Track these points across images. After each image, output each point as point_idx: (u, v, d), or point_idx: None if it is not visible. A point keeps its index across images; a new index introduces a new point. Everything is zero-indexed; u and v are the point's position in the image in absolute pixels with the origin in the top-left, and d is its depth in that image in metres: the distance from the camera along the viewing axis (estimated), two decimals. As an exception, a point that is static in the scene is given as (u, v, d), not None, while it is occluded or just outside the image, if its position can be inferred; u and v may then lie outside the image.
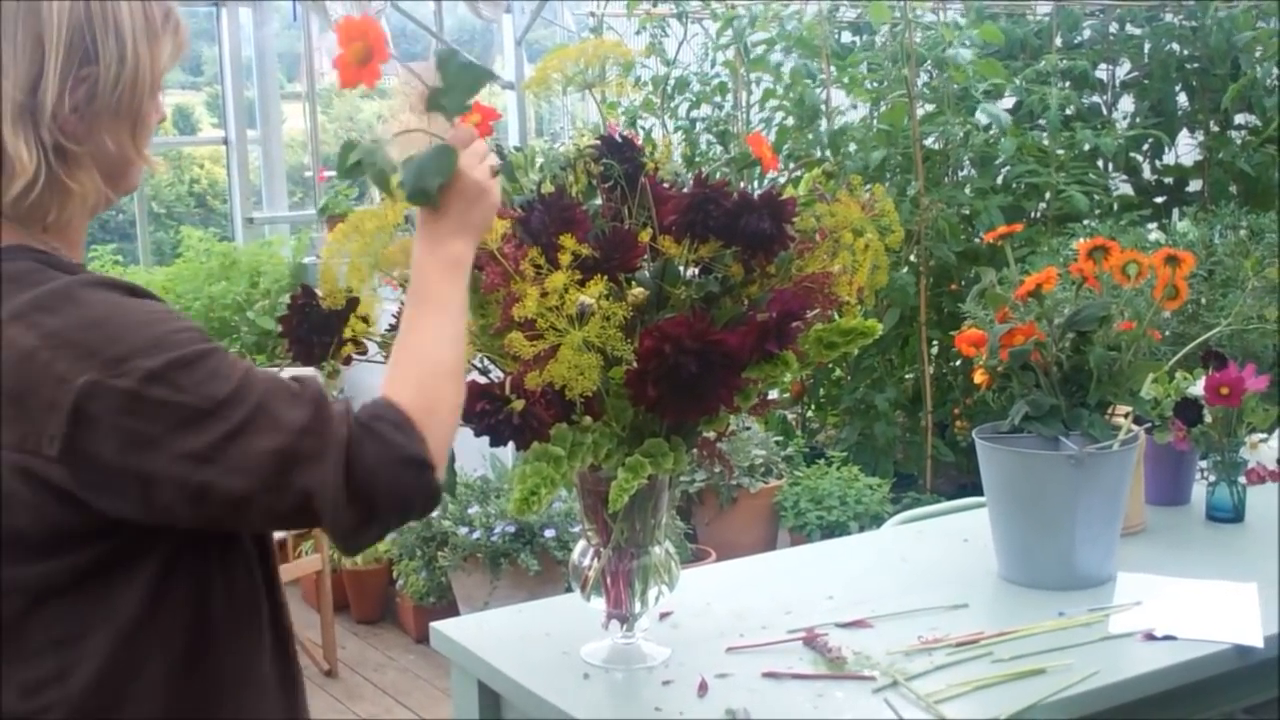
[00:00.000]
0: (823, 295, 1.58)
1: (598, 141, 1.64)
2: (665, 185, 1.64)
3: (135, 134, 1.23)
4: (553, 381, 1.41)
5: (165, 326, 1.13)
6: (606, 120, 4.95)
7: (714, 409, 1.53)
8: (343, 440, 1.13)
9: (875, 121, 4.64)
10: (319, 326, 1.54)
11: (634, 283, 1.55)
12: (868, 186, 1.72)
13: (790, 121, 4.87)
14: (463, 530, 3.75)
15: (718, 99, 5.13)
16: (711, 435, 1.67)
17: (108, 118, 1.19)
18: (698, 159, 5.02)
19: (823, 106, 4.64)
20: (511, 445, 1.51)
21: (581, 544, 1.76)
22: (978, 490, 2.11)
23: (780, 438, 4.71)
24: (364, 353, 1.54)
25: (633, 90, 5.10)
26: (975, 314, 2.14)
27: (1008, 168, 4.53)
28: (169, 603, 1.19)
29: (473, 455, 3.79)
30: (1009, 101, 4.75)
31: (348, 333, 1.48)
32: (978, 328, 2.12)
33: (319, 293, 1.54)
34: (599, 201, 1.65)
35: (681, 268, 1.56)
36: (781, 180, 1.84)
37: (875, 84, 4.70)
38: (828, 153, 4.54)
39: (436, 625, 1.87)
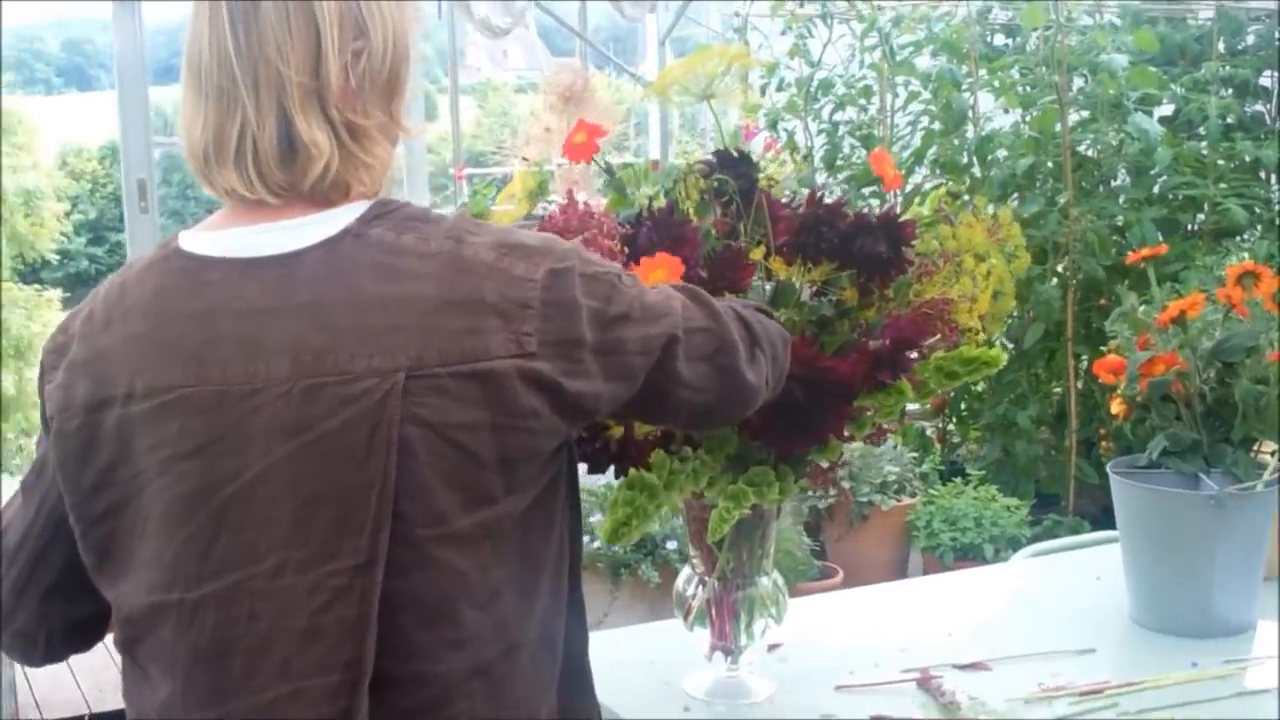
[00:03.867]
0: (943, 322, 1.49)
1: (711, 157, 1.58)
2: (783, 202, 1.58)
3: (395, 102, 1.24)
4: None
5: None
6: (746, 122, 4.89)
7: (823, 439, 1.46)
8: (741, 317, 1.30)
9: (1024, 128, 4.49)
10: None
11: (743, 305, 1.48)
12: (994, 207, 1.62)
13: (936, 126, 4.74)
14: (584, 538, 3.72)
15: (862, 102, 5.03)
16: (824, 464, 1.60)
17: (381, 88, 1.20)
18: (840, 163, 4.92)
19: (970, 111, 4.50)
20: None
21: (686, 571, 1.70)
22: (1119, 519, 2.00)
23: (916, 453, 4.58)
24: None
25: (766, 95, 5.03)
26: (1122, 333, 2.02)
27: (1163, 178, 4.34)
28: (562, 531, 1.25)
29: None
30: (1168, 109, 4.57)
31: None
32: (1120, 351, 2.00)
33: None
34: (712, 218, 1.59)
35: (798, 290, 1.49)
36: (911, 191, 1.74)
37: (1025, 89, 4.55)
38: (974, 159, 4.40)
39: (537, 647, 1.83)
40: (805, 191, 1.58)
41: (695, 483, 1.45)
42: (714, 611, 1.66)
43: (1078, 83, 4.48)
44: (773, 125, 5.01)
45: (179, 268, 1.18)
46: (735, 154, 1.57)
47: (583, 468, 1.40)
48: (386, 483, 1.09)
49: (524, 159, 5.12)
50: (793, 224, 1.44)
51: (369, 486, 1.09)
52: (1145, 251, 2.02)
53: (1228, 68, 4.39)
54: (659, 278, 1.37)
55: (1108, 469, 1.91)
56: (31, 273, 8.74)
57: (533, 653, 1.20)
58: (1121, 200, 4.33)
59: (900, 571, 4.35)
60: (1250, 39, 4.80)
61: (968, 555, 4.05)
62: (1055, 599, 1.99)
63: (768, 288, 1.53)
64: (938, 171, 4.60)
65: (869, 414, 1.51)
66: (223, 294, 1.15)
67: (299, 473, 1.11)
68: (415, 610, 1.12)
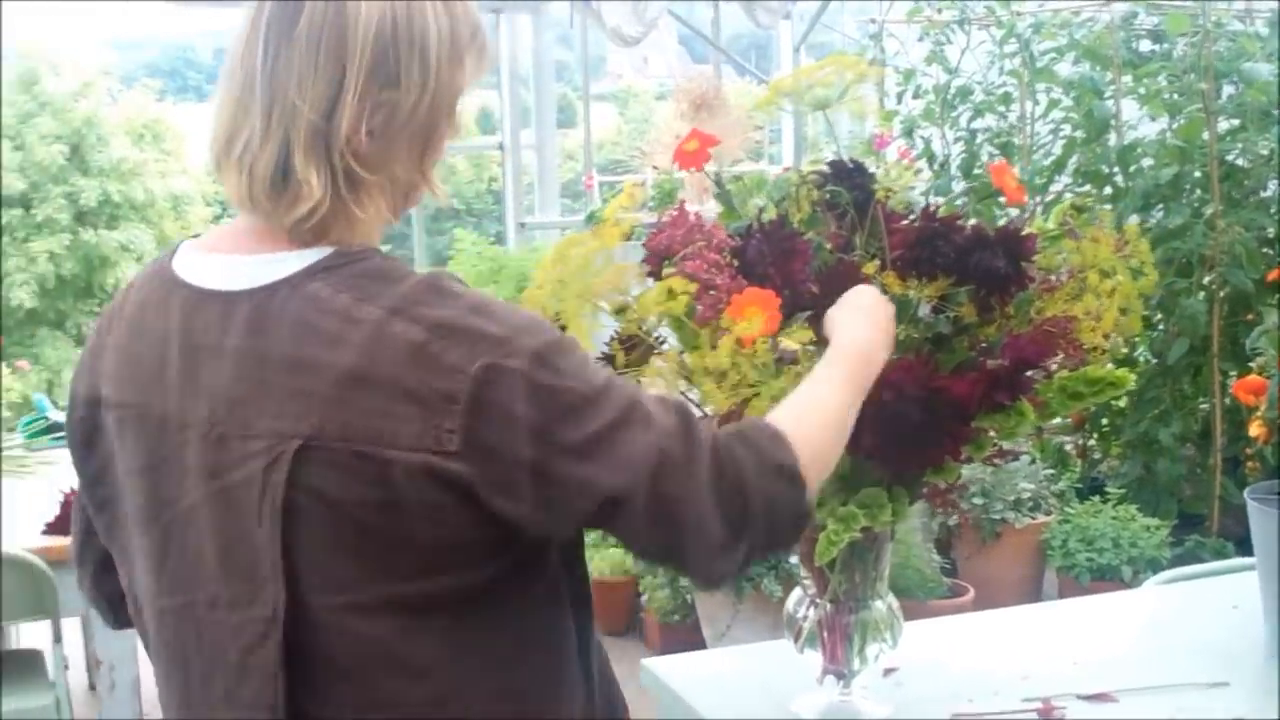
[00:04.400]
0: (1066, 341, 1.43)
1: (825, 167, 1.53)
2: (900, 215, 1.53)
3: (425, 158, 1.18)
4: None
5: (528, 312, 1.15)
6: (879, 130, 4.81)
7: (938, 461, 1.41)
8: (711, 444, 1.11)
9: (1169, 136, 4.34)
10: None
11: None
12: (1136, 218, 1.55)
13: (1078, 134, 4.61)
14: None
15: (1001, 109, 4.91)
16: (941, 485, 1.54)
17: (403, 143, 1.15)
18: (978, 170, 4.82)
19: (1112, 119, 4.37)
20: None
21: (797, 592, 1.66)
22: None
23: (1053, 470, 4.45)
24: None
25: (902, 102, 4.94)
26: (1266, 351, 1.93)
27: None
28: (542, 625, 1.18)
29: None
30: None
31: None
32: (1262, 371, 1.91)
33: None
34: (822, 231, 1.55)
35: (914, 305, 1.44)
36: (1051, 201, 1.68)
37: (1171, 96, 4.40)
38: (1116, 168, 4.27)
39: (647, 663, 1.80)
40: (922, 204, 1.53)
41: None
42: (825, 634, 1.62)
43: (1227, 90, 4.32)
44: (908, 133, 4.92)
45: (161, 283, 1.20)
46: (850, 164, 1.53)
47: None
48: (274, 545, 1.08)
49: (654, 167, 5.10)
50: (908, 237, 1.39)
51: (265, 545, 1.08)
52: (1287, 268, 1.92)
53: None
54: (754, 316, 1.33)
55: (1245, 494, 1.82)
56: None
57: None
58: (1272, 211, 4.15)
59: (1034, 591, 4.23)
60: None
61: (1104, 576, 3.92)
62: (1189, 628, 1.91)
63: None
64: (1079, 181, 4.47)
65: (988, 435, 1.46)
66: (179, 321, 1.16)
67: (216, 516, 1.13)
68: (330, 668, 1.11)
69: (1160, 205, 4.19)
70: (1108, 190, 4.43)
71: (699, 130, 1.60)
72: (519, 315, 1.11)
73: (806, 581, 1.64)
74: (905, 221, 1.53)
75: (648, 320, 1.52)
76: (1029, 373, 1.37)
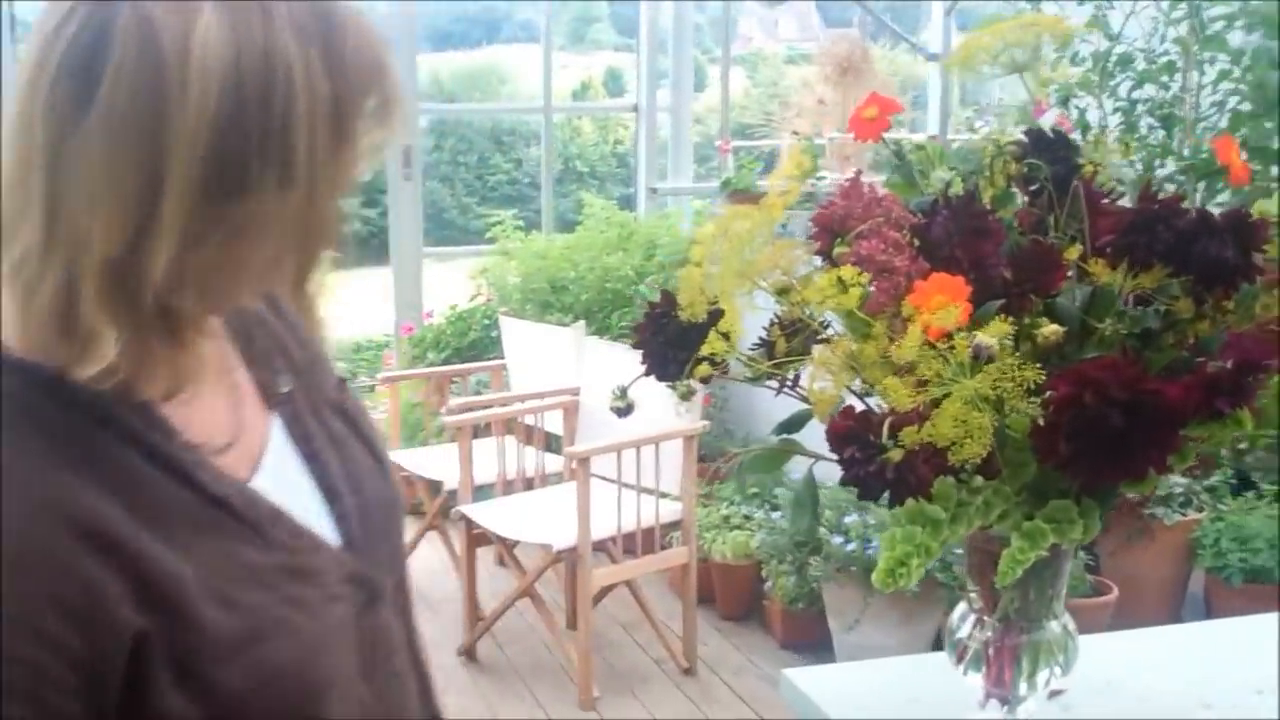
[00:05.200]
0: (1292, 341, 1.25)
1: (1022, 137, 1.37)
2: (1106, 194, 1.36)
3: (309, 241, 0.87)
4: (934, 441, 1.16)
5: None
6: (1036, 98, 4.58)
7: (1140, 472, 1.24)
8: None
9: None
10: (676, 340, 1.35)
11: (1046, 316, 1.27)
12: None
13: (1245, 107, 4.32)
14: (837, 540, 3.51)
15: (1164, 79, 4.63)
16: (1134, 497, 1.38)
17: (261, 243, 0.84)
18: (1135, 143, 4.55)
19: (1287, 93, 4.08)
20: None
21: (962, 607, 1.50)
22: None
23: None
24: (724, 372, 1.34)
25: (1069, 71, 4.69)
26: None
27: None
28: None
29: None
30: None
31: (706, 349, 1.28)
32: None
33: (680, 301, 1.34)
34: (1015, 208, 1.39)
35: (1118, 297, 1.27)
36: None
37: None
38: (1289, 146, 3.99)
39: (788, 673, 1.66)
40: (1136, 184, 1.36)
41: (985, 516, 1.25)
42: (992, 655, 1.46)
43: None
44: (1064, 102, 4.66)
45: None
46: (1052, 134, 1.36)
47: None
48: None
49: (794, 132, 4.93)
50: (1121, 221, 1.22)
51: None
52: None
53: None
54: (941, 304, 1.18)
55: None
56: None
57: None
58: None
59: (1180, 592, 4.01)
60: None
61: (1258, 578, 3.68)
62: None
63: (1077, 294, 1.32)
64: (1249, 158, 4.19)
65: (1194, 443, 1.29)
66: None
67: None
68: None
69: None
70: (1274, 170, 4.16)
71: (878, 95, 1.45)
72: None
73: (973, 596, 1.48)
74: (1107, 200, 1.37)
75: (812, 303, 1.38)
76: (1254, 376, 1.20)
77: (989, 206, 1.34)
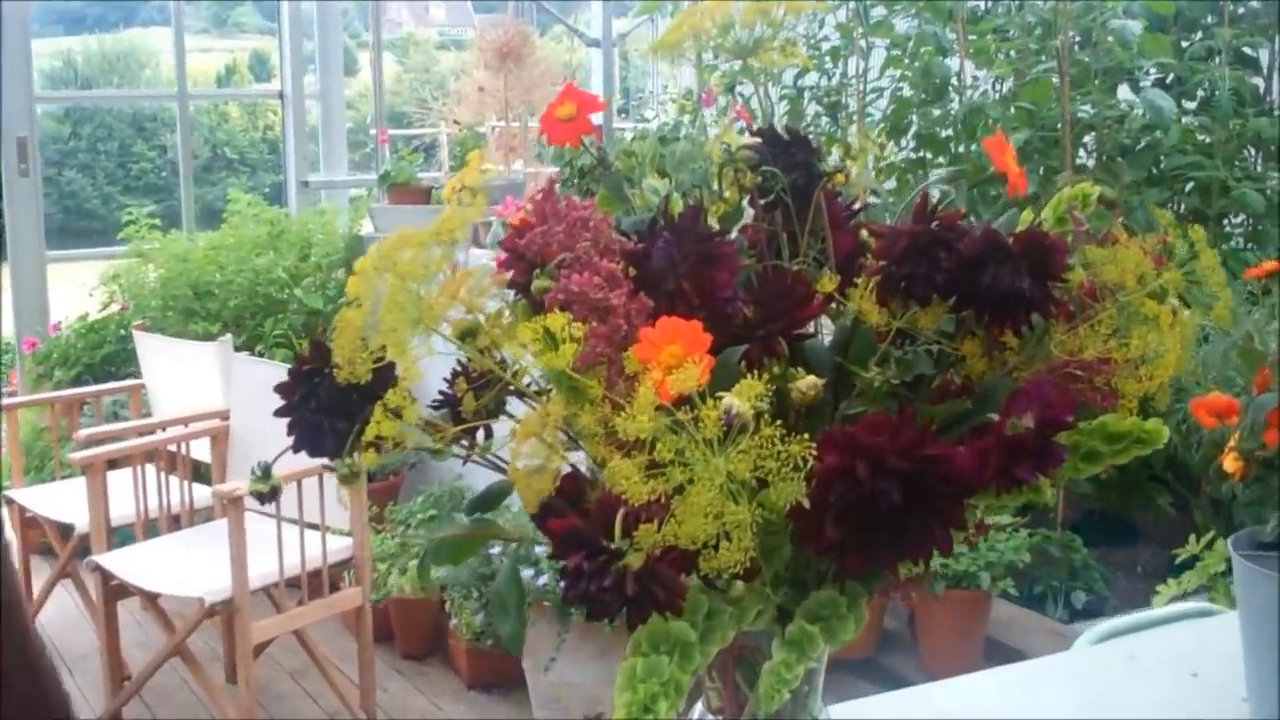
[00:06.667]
0: (1091, 387, 1.04)
1: (750, 138, 1.11)
2: (848, 206, 1.13)
3: None
4: (678, 543, 0.88)
5: None
6: (705, 86, 4.42)
7: (923, 554, 1.00)
8: None
9: (1012, 98, 4.05)
10: (332, 406, 1.03)
11: (795, 365, 1.02)
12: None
13: (912, 94, 4.29)
14: (527, 573, 3.22)
15: (829, 65, 4.56)
16: (903, 574, 1.14)
17: None
18: (807, 130, 4.45)
19: (954, 80, 4.05)
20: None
21: (699, 708, 1.24)
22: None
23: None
24: (399, 448, 1.02)
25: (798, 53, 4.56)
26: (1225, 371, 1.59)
27: (1165, 159, 3.92)
28: None
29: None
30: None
31: (372, 430, 0.96)
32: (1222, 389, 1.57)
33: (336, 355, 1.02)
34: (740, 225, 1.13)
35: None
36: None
37: (1007, 54, 4.11)
38: (961, 132, 3.96)
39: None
40: (878, 194, 1.13)
41: (740, 623, 0.99)
42: (737, 762, 1.21)
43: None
44: (730, 89, 4.53)
45: None
46: (788, 134, 1.11)
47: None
48: None
49: (455, 121, 4.61)
50: (895, 246, 0.97)
51: None
52: (1269, 265, 1.58)
53: (1236, 37, 3.96)
54: (675, 356, 0.91)
55: (1228, 545, 1.48)
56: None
57: None
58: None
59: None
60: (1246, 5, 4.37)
61: (960, 584, 3.57)
62: (1141, 703, 1.57)
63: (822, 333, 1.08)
64: (917, 147, 4.15)
65: (974, 509, 1.07)
66: None
67: None
68: None
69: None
70: (941, 160, 4.14)
71: (574, 88, 1.16)
72: None
73: (712, 693, 1.22)
74: (851, 212, 1.14)
75: (504, 349, 1.09)
76: (1058, 436, 0.97)
77: (718, 225, 1.08)
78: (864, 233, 1.13)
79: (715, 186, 1.10)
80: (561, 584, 0.93)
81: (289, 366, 1.10)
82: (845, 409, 1.03)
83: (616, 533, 0.91)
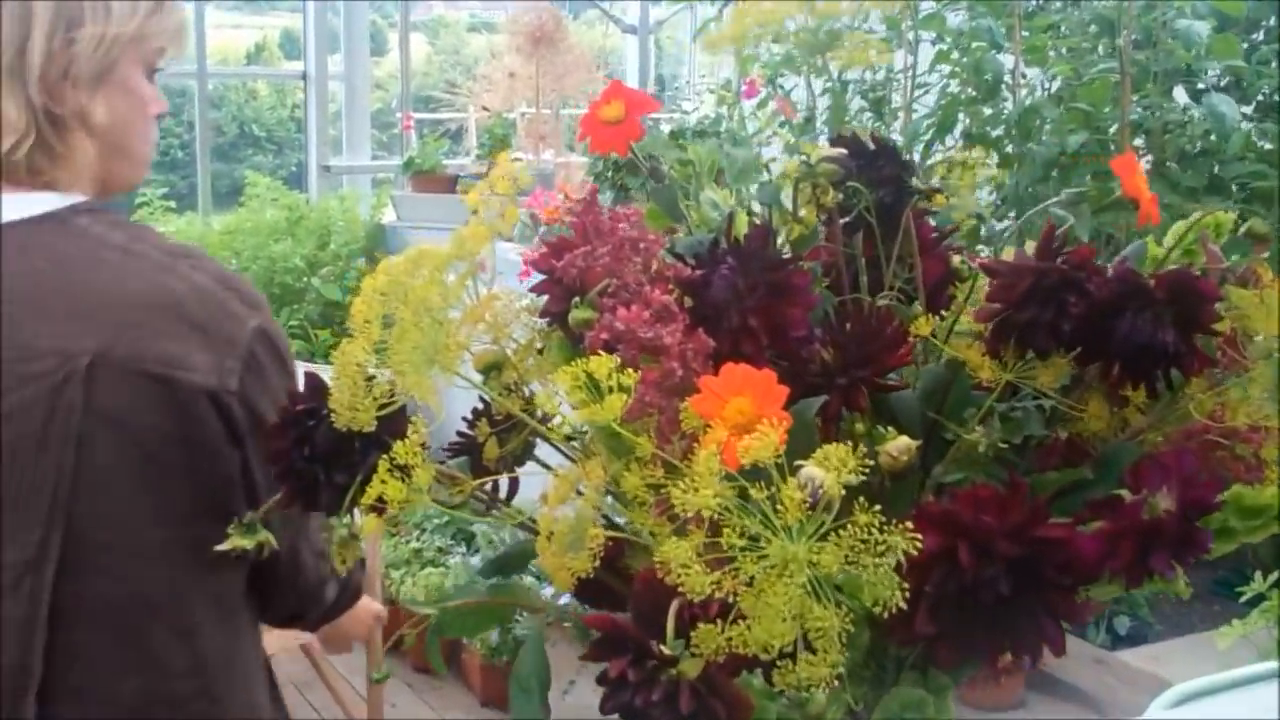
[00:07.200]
0: (1233, 456, 0.87)
1: (831, 150, 0.94)
2: (936, 230, 0.97)
3: (130, 108, 1.18)
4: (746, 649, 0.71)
5: None
6: (747, 78, 4.25)
7: (1030, 651, 0.83)
8: None
9: (1069, 98, 3.86)
10: (329, 457, 0.87)
11: (879, 420, 0.86)
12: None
13: (963, 91, 4.10)
14: (547, 591, 3.05)
15: (874, 58, 4.38)
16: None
17: (91, 83, 1.15)
18: (848, 124, 4.28)
19: (1008, 78, 3.86)
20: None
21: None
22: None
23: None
24: (402, 508, 0.86)
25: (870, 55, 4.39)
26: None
27: (1223, 166, 3.73)
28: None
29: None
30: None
31: (374, 491, 0.80)
32: None
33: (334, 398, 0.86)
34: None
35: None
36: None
37: (1059, 52, 3.92)
38: (1015, 132, 3.77)
39: None
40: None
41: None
42: None
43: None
44: (771, 81, 4.35)
45: None
46: (874, 144, 0.94)
47: None
48: (61, 478, 1.06)
49: (484, 107, 4.45)
50: (1016, 288, 0.80)
51: (43, 478, 1.05)
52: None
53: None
54: (747, 412, 0.75)
55: None
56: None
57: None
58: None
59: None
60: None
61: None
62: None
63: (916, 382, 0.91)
64: (966, 147, 3.97)
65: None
66: None
67: None
68: (94, 621, 1.09)
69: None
70: (993, 159, 3.95)
71: (622, 85, 1.00)
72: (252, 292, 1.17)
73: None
74: (941, 235, 0.98)
75: (533, 387, 0.94)
76: (1201, 519, 0.81)
77: (791, 251, 0.92)
78: (955, 259, 0.98)
79: (789, 204, 0.94)
80: (600, 692, 0.77)
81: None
82: (940, 476, 0.87)
83: (669, 634, 0.75)
